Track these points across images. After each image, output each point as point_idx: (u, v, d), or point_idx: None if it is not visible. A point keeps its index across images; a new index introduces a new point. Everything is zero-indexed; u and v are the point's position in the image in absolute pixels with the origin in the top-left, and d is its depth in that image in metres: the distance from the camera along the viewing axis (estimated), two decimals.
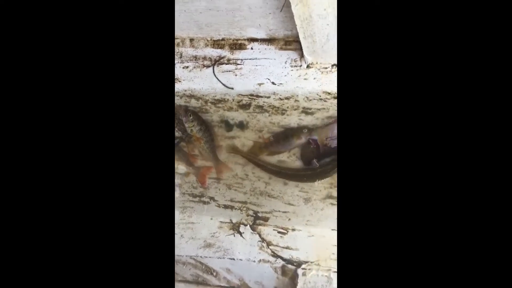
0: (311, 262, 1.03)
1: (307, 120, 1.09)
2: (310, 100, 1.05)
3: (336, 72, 1.00)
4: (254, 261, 1.09)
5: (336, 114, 1.05)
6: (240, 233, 1.13)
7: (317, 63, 1.00)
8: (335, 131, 1.04)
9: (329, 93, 1.02)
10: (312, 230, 1.08)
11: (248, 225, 1.13)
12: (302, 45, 0.92)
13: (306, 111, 1.08)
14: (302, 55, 0.98)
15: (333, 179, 1.08)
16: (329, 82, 1.01)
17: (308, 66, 1.01)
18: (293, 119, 1.09)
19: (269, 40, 1.01)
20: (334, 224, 1.07)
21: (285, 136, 1.08)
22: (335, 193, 1.08)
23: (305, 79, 1.02)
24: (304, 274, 1.00)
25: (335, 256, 1.02)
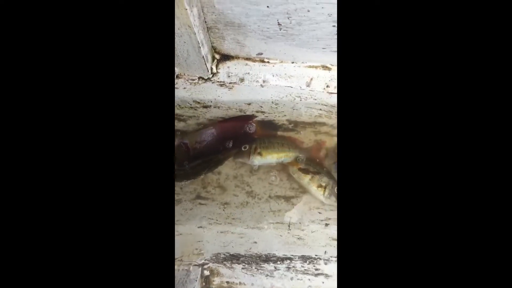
0: (176, 259, 1.09)
1: (180, 126, 1.19)
2: (182, 108, 1.15)
3: (206, 84, 1.12)
4: None
5: (205, 122, 1.17)
6: None
7: (185, 74, 1.11)
8: (203, 136, 1.15)
9: (198, 102, 1.14)
10: (181, 229, 1.15)
11: None
12: None
13: (178, 118, 1.17)
14: None
15: (202, 181, 1.18)
16: (198, 92, 1.13)
17: (177, 76, 1.11)
18: None
19: None
20: (200, 222, 1.15)
21: None
22: (203, 194, 1.18)
23: (176, 88, 1.12)
24: None
25: (198, 251, 1.09)
